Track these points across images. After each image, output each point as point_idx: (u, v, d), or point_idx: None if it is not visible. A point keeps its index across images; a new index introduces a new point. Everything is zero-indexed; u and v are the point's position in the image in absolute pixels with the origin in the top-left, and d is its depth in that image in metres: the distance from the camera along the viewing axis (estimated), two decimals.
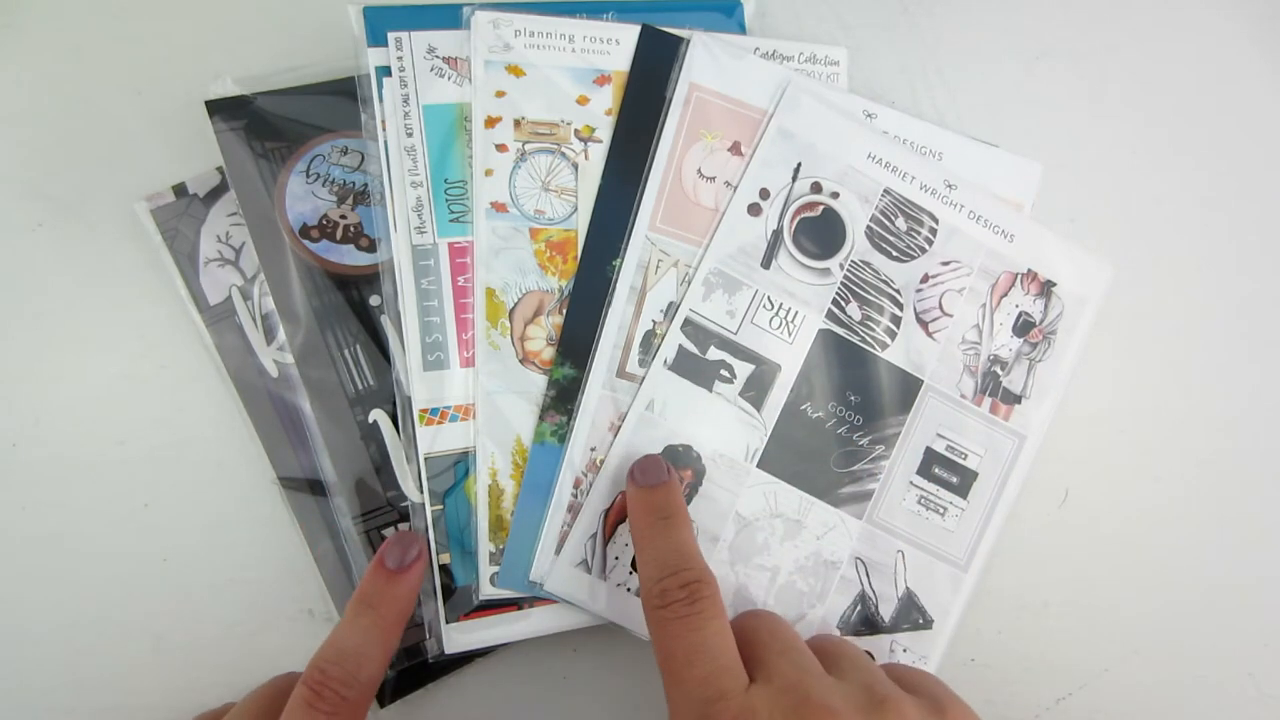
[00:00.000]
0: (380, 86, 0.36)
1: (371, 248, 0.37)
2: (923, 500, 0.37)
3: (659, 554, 0.30)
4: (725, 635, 0.28)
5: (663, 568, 0.29)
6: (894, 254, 0.37)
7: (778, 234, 0.37)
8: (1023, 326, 0.38)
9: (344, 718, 0.27)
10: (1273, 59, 0.43)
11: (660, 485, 0.32)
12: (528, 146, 0.36)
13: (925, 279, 0.37)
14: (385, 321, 0.36)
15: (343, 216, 0.37)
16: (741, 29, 0.39)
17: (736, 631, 0.29)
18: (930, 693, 0.29)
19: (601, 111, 0.37)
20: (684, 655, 0.27)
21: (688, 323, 0.36)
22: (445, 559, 0.35)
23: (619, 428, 0.36)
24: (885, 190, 0.37)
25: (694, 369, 0.36)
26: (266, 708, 0.28)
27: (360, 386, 0.36)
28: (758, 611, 0.32)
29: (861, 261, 0.37)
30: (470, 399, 0.36)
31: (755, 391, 0.36)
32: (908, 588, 0.37)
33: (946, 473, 0.37)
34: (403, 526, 0.36)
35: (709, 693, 0.26)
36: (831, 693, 0.27)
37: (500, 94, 0.36)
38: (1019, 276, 0.38)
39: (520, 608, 0.35)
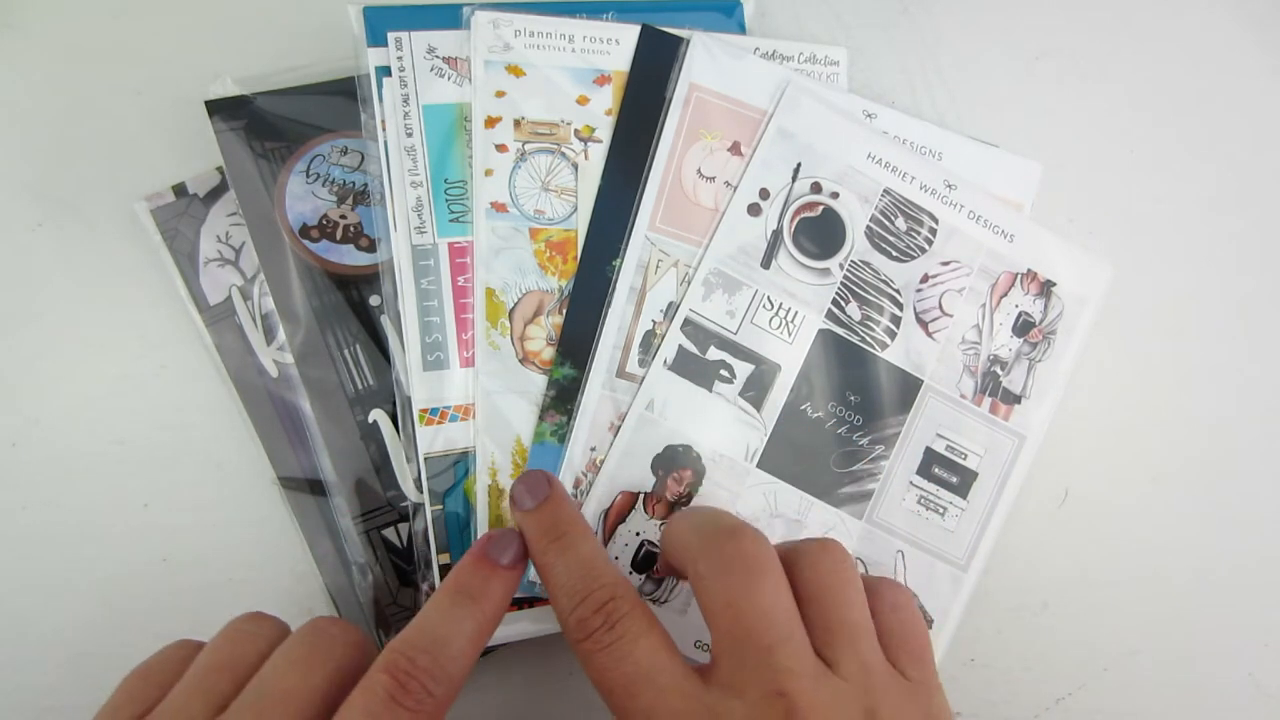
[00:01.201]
0: (380, 86, 0.36)
1: (371, 248, 0.37)
2: (923, 500, 0.37)
3: (562, 580, 0.27)
4: (658, 649, 0.25)
5: (571, 595, 0.26)
6: (894, 254, 0.37)
7: (777, 234, 0.37)
8: (1022, 326, 0.38)
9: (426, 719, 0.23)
10: (1273, 59, 0.43)
11: (545, 502, 0.29)
12: (528, 146, 0.37)
13: (925, 279, 0.37)
14: (385, 321, 0.36)
15: (343, 216, 0.37)
16: (741, 29, 0.39)
17: (709, 595, 0.25)
18: (920, 674, 0.26)
19: (601, 111, 0.37)
20: (622, 687, 0.24)
21: (688, 323, 0.36)
22: (445, 559, 0.35)
23: (619, 428, 0.36)
24: (885, 190, 0.37)
25: (694, 369, 0.36)
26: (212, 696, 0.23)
27: (360, 386, 0.36)
28: (755, 562, 0.26)
29: (861, 261, 0.37)
30: (470, 399, 0.36)
31: (755, 391, 0.36)
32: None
33: (946, 473, 0.37)
34: (402, 526, 0.36)
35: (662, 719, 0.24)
36: (819, 703, 0.23)
37: (500, 94, 0.36)
38: (1019, 276, 0.38)
39: (520, 608, 0.35)
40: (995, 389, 0.38)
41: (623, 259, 0.36)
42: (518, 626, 0.35)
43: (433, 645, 0.24)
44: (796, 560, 0.27)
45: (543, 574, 0.28)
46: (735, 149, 0.37)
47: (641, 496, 0.35)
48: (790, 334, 0.36)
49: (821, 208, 0.37)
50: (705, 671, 0.25)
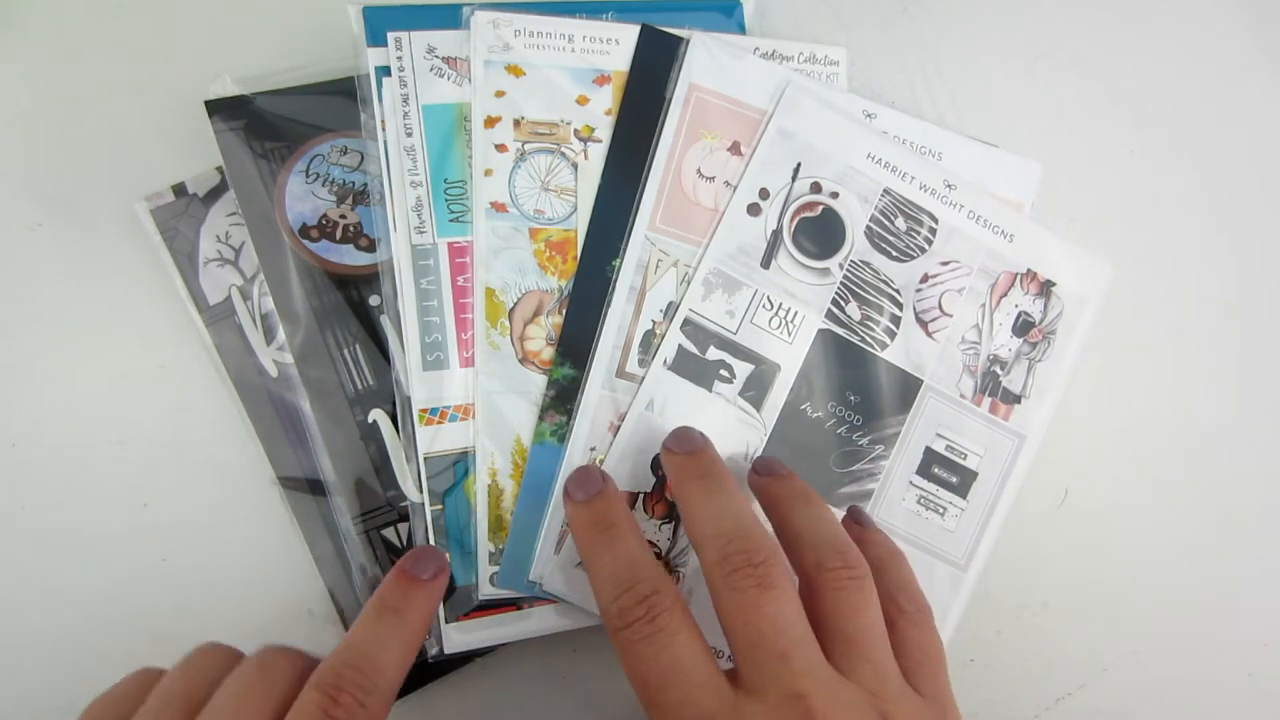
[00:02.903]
0: (380, 86, 0.36)
1: (371, 248, 0.37)
2: (922, 500, 0.37)
3: (608, 570, 0.28)
4: (695, 645, 0.26)
5: (615, 585, 0.27)
6: (894, 254, 0.37)
7: (777, 234, 0.37)
8: (1022, 326, 0.38)
9: None
10: (1273, 59, 0.43)
11: (597, 497, 0.30)
12: (527, 146, 0.37)
13: (925, 279, 0.37)
14: (385, 321, 0.36)
15: (342, 216, 0.37)
16: (741, 29, 0.39)
17: (728, 617, 0.26)
18: (934, 690, 0.28)
19: (601, 111, 0.37)
20: (657, 679, 0.26)
21: (687, 323, 0.36)
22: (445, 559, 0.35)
23: (619, 428, 0.36)
24: (885, 190, 0.37)
25: (694, 369, 0.36)
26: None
27: (360, 386, 0.36)
28: (764, 577, 0.27)
29: (861, 261, 0.37)
30: (470, 399, 0.36)
31: (755, 391, 0.36)
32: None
33: (946, 473, 0.37)
34: (402, 526, 0.36)
35: (691, 714, 0.25)
36: (835, 706, 0.25)
37: (500, 94, 0.36)
38: (1019, 276, 0.38)
39: (520, 608, 0.35)
40: (995, 389, 0.38)
41: (622, 259, 0.36)
42: (518, 626, 0.35)
43: (360, 659, 0.25)
44: (812, 568, 0.28)
45: (588, 562, 0.29)
46: (735, 149, 0.37)
47: (641, 496, 0.35)
48: (790, 334, 0.36)
49: (821, 208, 0.37)
50: (731, 676, 0.26)
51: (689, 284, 0.36)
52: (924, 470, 0.37)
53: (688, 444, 0.32)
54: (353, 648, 0.25)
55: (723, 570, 0.27)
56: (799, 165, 0.37)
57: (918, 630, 0.29)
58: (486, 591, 0.35)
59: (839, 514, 0.36)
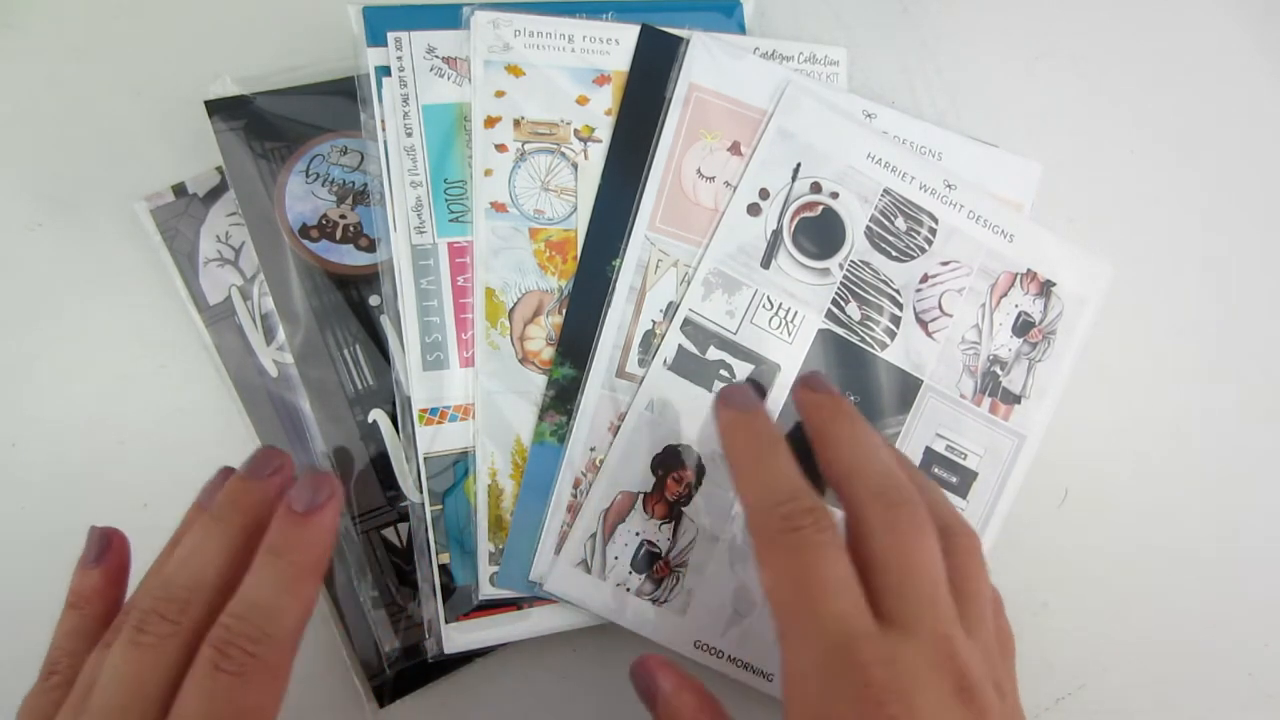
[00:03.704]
0: (380, 86, 0.36)
1: (371, 248, 0.37)
2: None
3: (772, 478, 0.27)
4: (853, 569, 0.25)
5: (779, 491, 0.26)
6: (893, 254, 0.37)
7: (777, 234, 0.37)
8: (1022, 326, 0.38)
9: (257, 680, 0.24)
10: (1273, 59, 0.43)
11: (758, 412, 0.29)
12: (527, 146, 0.37)
13: (925, 279, 0.37)
14: (385, 321, 0.36)
15: (342, 216, 0.37)
16: (741, 29, 0.39)
17: (864, 546, 0.26)
18: (1006, 655, 0.28)
19: (601, 111, 0.37)
20: (821, 586, 0.24)
21: (687, 322, 0.36)
22: (445, 559, 0.35)
23: (619, 428, 0.36)
24: (885, 190, 0.37)
25: (694, 369, 0.36)
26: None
27: (360, 386, 0.36)
28: (897, 520, 0.26)
29: (861, 261, 0.37)
30: (470, 399, 0.36)
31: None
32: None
33: (946, 473, 0.37)
34: (402, 526, 0.36)
35: (850, 627, 0.24)
36: (972, 657, 0.24)
37: (500, 94, 0.36)
38: (1019, 276, 0.38)
39: (520, 608, 0.35)
40: (995, 389, 0.38)
41: (622, 259, 0.36)
42: (518, 626, 0.35)
43: (248, 609, 0.24)
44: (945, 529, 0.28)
45: (746, 465, 0.28)
46: (735, 149, 0.37)
47: (641, 496, 0.35)
48: (790, 334, 0.36)
49: (821, 208, 0.37)
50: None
51: (689, 284, 0.36)
52: (924, 470, 0.37)
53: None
54: (240, 597, 0.25)
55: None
56: (799, 165, 0.37)
57: (999, 619, 0.30)
58: (486, 591, 0.35)
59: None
